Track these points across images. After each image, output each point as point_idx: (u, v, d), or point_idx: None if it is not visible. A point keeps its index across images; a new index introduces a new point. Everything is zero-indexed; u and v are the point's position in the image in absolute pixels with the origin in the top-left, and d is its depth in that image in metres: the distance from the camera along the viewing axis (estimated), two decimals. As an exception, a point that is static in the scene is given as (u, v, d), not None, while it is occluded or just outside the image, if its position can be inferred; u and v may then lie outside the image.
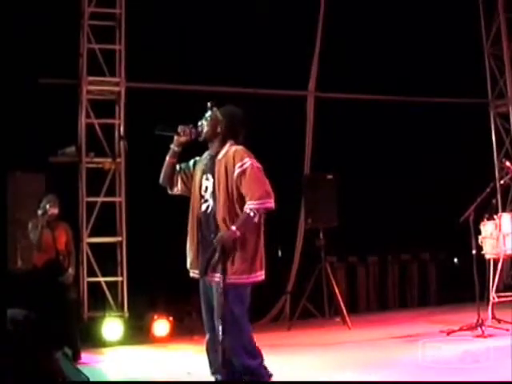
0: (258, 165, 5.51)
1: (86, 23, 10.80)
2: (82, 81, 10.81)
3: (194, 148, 5.80)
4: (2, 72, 9.48)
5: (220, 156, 5.59)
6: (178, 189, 5.84)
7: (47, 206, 8.52)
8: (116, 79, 10.95)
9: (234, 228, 5.34)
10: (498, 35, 13.30)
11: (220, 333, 5.30)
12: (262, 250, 5.57)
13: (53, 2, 10.11)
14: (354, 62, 12.05)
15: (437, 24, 12.34)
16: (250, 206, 5.36)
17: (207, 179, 5.63)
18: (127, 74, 10.98)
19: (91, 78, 10.84)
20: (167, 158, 5.79)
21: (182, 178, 5.81)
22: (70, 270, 8.72)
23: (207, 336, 5.67)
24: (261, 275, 5.57)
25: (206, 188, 5.62)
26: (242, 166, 5.44)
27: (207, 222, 5.60)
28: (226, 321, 5.31)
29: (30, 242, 8.72)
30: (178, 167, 5.82)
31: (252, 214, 5.35)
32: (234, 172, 5.44)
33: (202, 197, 5.63)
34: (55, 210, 8.58)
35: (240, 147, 5.60)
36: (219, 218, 5.45)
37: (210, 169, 5.63)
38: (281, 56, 11.47)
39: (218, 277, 5.37)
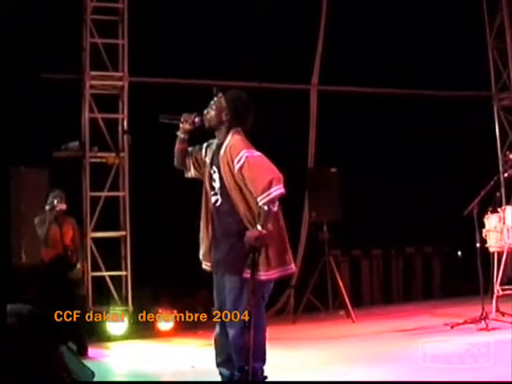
0: (256, 153, 5.42)
1: (89, 18, 10.79)
2: (85, 76, 10.80)
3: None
4: (5, 68, 9.50)
5: (222, 152, 5.51)
6: (191, 173, 5.79)
7: (55, 202, 8.50)
8: (119, 74, 10.94)
9: (259, 227, 5.28)
10: (502, 28, 13.25)
11: (244, 329, 5.24)
12: (287, 241, 5.54)
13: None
14: (357, 55, 12.03)
15: (440, 17, 12.31)
16: (260, 201, 5.30)
17: (214, 172, 5.58)
18: (130, 68, 10.97)
19: (94, 73, 10.83)
20: (176, 145, 5.76)
21: (193, 164, 5.75)
22: (78, 266, 8.73)
23: (217, 329, 5.66)
24: (291, 268, 5.55)
25: (215, 180, 5.59)
26: (239, 161, 5.36)
27: (217, 214, 5.58)
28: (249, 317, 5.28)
29: (35, 237, 8.72)
30: (189, 150, 5.78)
31: (266, 207, 5.29)
32: (234, 168, 5.41)
33: (212, 188, 5.60)
34: (63, 206, 8.58)
35: (237, 138, 5.50)
36: (241, 213, 5.41)
37: (216, 162, 5.59)
38: (284, 49, 11.44)
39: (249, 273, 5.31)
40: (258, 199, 5.29)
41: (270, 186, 5.28)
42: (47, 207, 8.52)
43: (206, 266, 5.70)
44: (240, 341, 5.32)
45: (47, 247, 8.57)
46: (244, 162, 5.34)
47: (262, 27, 11.20)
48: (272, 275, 5.40)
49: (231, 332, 5.42)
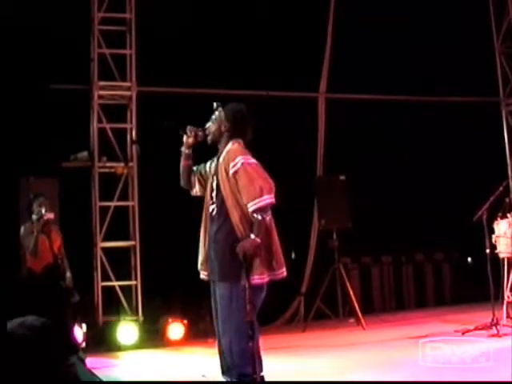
0: (252, 161, 5.49)
1: (97, 28, 10.83)
2: (93, 86, 10.84)
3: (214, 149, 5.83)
4: (14, 78, 9.56)
5: (220, 159, 5.60)
6: (196, 190, 5.86)
7: (43, 211, 8.18)
8: (127, 84, 10.98)
9: (253, 236, 5.31)
10: (509, 33, 13.24)
11: (248, 336, 5.23)
12: (277, 247, 5.51)
13: (63, 8, 10.15)
14: (365, 62, 12.04)
15: (447, 23, 12.31)
16: (250, 208, 5.35)
17: (214, 180, 5.65)
18: (138, 78, 11.00)
19: (102, 83, 10.86)
20: (181, 162, 5.82)
21: (198, 180, 5.82)
22: (68, 274, 8.55)
23: (217, 338, 5.68)
24: (281, 273, 5.53)
25: (213, 190, 5.64)
26: (234, 166, 5.44)
27: (211, 223, 5.62)
28: (238, 323, 5.29)
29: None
30: (194, 169, 5.83)
31: (260, 216, 5.33)
32: (229, 172, 5.45)
33: (211, 198, 5.65)
34: (51, 215, 8.24)
35: (235, 146, 5.59)
36: (233, 221, 5.44)
37: (215, 171, 5.65)
38: (292, 58, 11.48)
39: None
40: (248, 205, 5.33)
41: (260, 194, 5.35)
42: (34, 216, 8.21)
43: (203, 275, 5.75)
44: (235, 348, 5.35)
45: (36, 258, 8.26)
46: (239, 168, 5.42)
47: (269, 36, 11.24)
48: (263, 279, 5.39)
49: (225, 340, 5.45)
